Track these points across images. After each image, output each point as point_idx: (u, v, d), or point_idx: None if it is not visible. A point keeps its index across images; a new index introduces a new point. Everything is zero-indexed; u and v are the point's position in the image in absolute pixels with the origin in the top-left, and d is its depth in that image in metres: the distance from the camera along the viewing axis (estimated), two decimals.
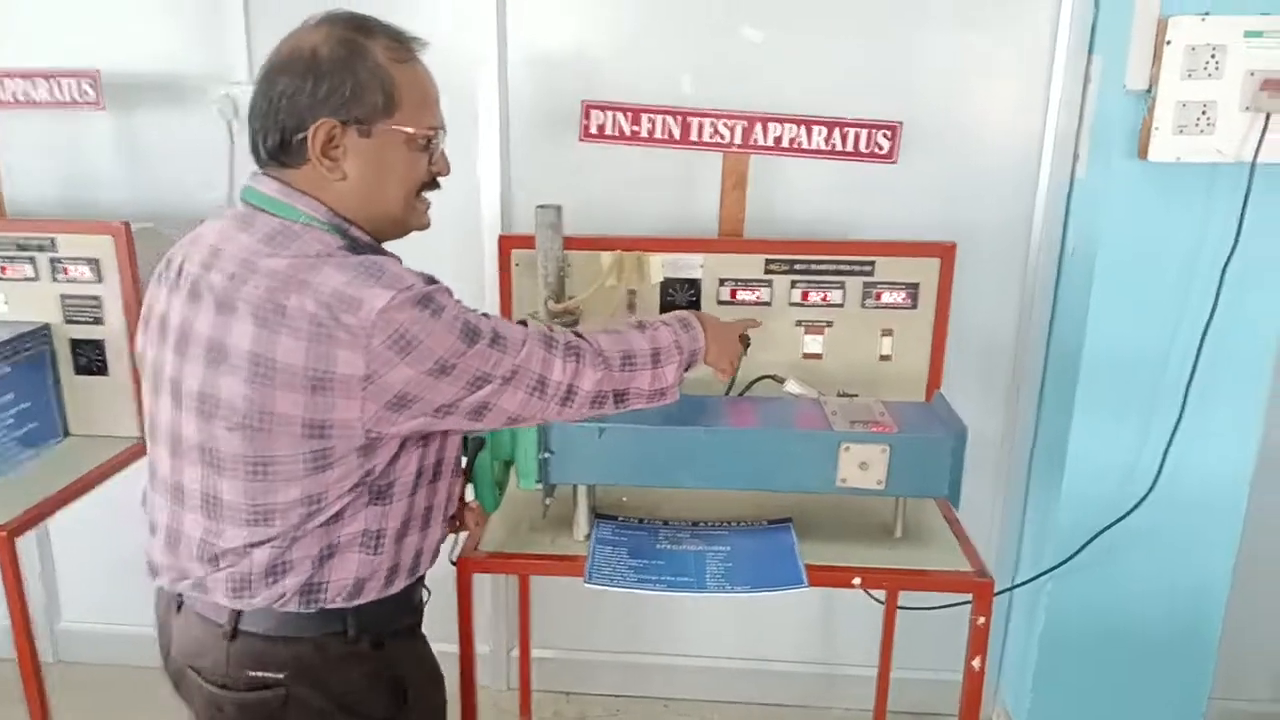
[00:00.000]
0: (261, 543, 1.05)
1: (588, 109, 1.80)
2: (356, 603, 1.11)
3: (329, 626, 1.11)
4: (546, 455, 1.40)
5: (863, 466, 1.39)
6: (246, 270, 1.00)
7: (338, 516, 1.06)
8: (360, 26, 1.07)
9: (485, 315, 1.07)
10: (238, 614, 1.09)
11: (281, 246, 1.01)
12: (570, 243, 1.72)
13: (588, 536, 1.47)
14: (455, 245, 1.92)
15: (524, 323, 1.14)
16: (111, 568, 2.24)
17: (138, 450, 1.83)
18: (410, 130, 1.08)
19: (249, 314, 0.98)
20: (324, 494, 1.04)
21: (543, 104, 1.94)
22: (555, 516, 1.51)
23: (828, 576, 1.39)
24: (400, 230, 1.14)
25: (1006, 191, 1.92)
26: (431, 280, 1.03)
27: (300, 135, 1.04)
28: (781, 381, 1.60)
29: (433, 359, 0.99)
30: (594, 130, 1.81)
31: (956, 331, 1.75)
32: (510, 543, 1.47)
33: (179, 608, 1.15)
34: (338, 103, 1.03)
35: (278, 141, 1.05)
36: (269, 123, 1.05)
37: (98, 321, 1.85)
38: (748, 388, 1.65)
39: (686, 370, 1.24)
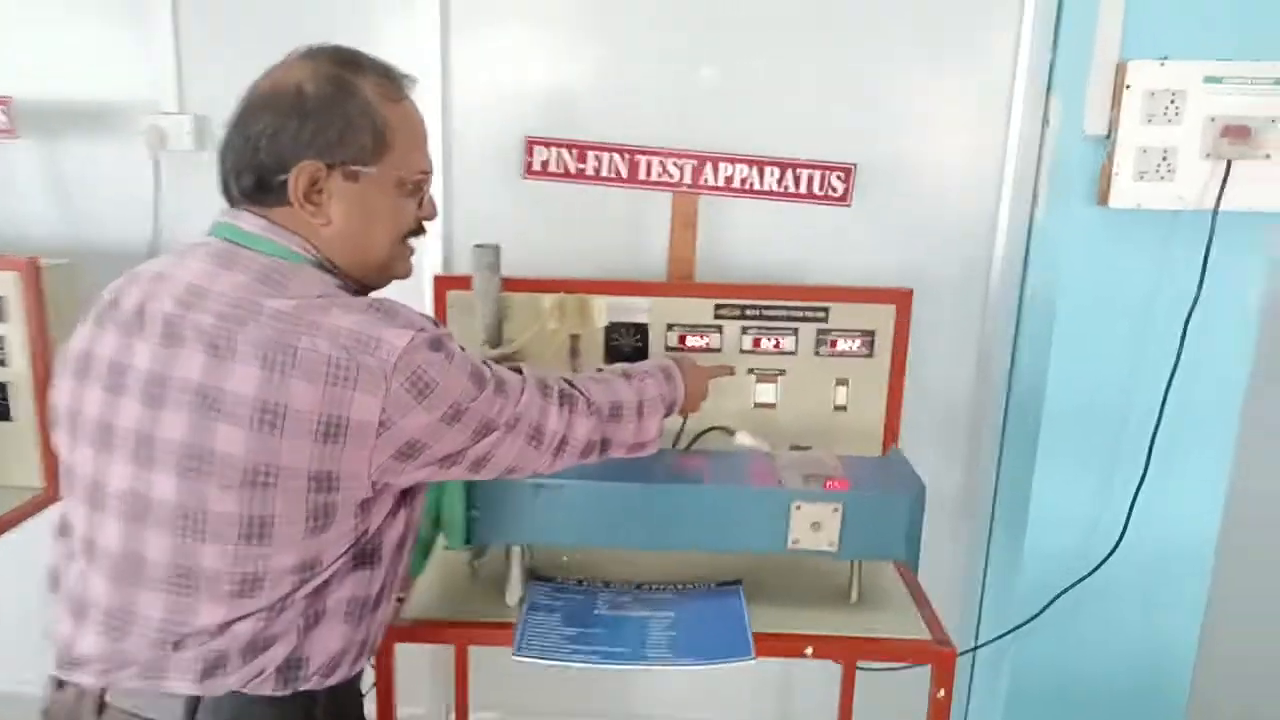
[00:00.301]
0: (245, 616, 0.95)
1: (531, 145, 1.73)
2: (330, 683, 1.01)
3: (293, 715, 0.99)
4: (474, 514, 1.30)
5: (815, 527, 1.30)
6: (246, 312, 0.92)
7: (328, 582, 0.98)
8: (349, 62, 1.01)
9: (485, 361, 1.03)
10: (194, 706, 0.96)
11: (279, 286, 0.94)
12: (510, 284, 1.63)
13: (522, 600, 1.36)
14: (393, 287, 1.82)
15: (519, 369, 1.08)
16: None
17: (41, 501, 1.70)
18: (400, 174, 1.03)
19: (253, 357, 0.90)
20: (319, 557, 0.96)
21: (488, 141, 1.85)
22: (491, 576, 1.40)
23: (778, 646, 1.29)
24: (385, 277, 1.08)
25: (964, 235, 1.86)
26: (434, 321, 0.98)
27: (281, 177, 0.97)
28: (732, 433, 1.52)
29: (446, 404, 0.95)
30: (537, 167, 1.74)
31: (913, 380, 1.68)
32: (438, 608, 1.36)
33: (100, 710, 0.98)
34: (324, 144, 0.97)
35: (253, 182, 0.99)
36: (245, 162, 0.99)
37: (1, 364, 1.72)
38: (696, 439, 1.56)
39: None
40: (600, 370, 1.23)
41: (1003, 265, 1.87)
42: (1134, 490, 1.72)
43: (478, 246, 1.58)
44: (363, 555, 1.01)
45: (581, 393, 1.11)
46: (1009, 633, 1.84)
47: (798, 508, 1.30)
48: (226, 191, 1.02)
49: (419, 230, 1.09)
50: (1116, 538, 1.75)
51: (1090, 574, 1.77)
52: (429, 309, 1.75)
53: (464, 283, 1.62)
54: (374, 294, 1.03)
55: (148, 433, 0.93)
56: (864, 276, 1.79)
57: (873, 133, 1.80)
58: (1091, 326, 1.71)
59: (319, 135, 0.97)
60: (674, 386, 1.24)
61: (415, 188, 1.06)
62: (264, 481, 0.91)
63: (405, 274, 1.10)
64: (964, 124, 1.83)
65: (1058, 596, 1.79)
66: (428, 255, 1.90)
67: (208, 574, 0.93)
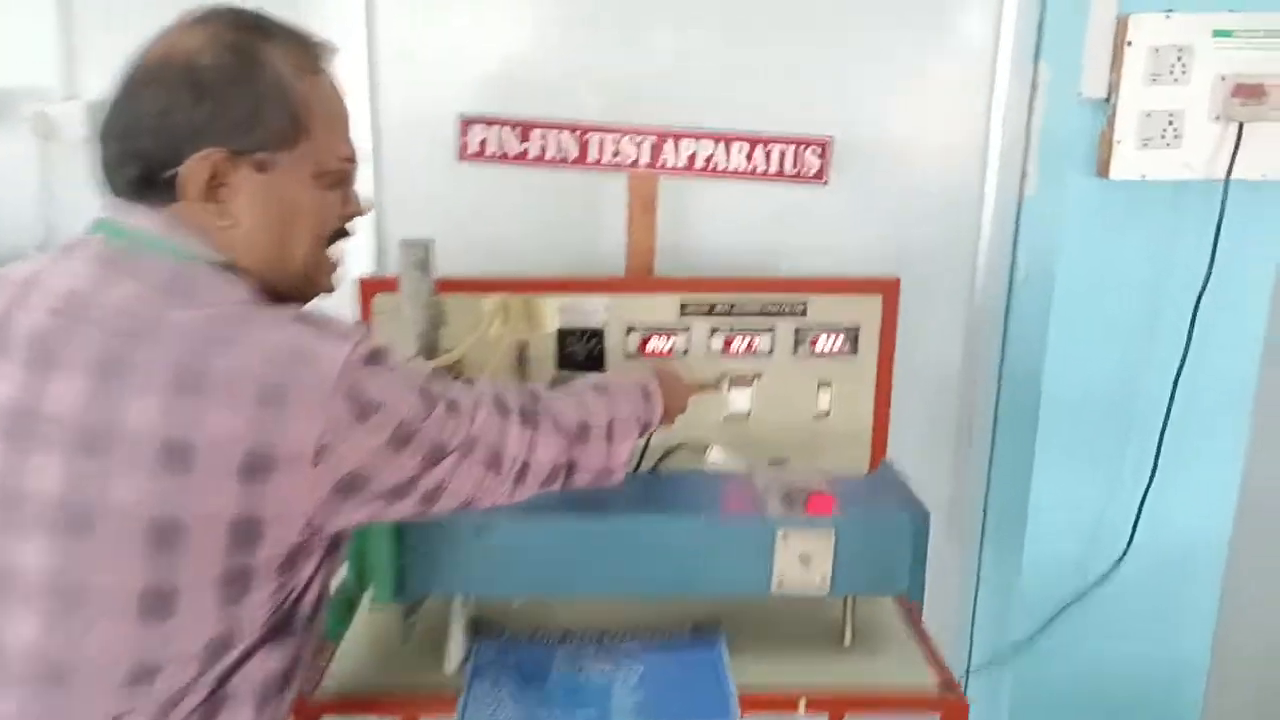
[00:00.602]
0: (131, 711, 0.78)
1: (466, 124, 1.52)
2: None
3: None
4: (405, 561, 1.10)
5: (803, 560, 1.12)
6: (144, 326, 0.77)
7: (239, 662, 0.83)
8: (254, 27, 0.86)
9: (433, 375, 0.91)
10: None
11: (186, 296, 0.79)
12: (445, 285, 1.42)
13: (465, 662, 1.16)
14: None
15: (470, 380, 0.97)
16: None
17: None
18: (320, 163, 0.88)
19: (157, 384, 0.74)
20: (233, 632, 0.80)
21: (421, 121, 1.63)
22: (428, 635, 1.20)
23: (764, 701, 1.11)
24: (307, 291, 0.92)
25: (948, 214, 1.69)
26: (368, 331, 0.86)
27: (173, 169, 0.82)
28: (704, 450, 1.33)
29: (393, 425, 0.81)
30: (474, 149, 1.53)
31: (898, 375, 1.50)
32: (365, 677, 1.15)
33: None
34: (226, 128, 0.82)
35: (140, 174, 0.83)
36: (128, 148, 0.83)
37: None
38: (662, 458, 1.37)
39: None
40: (561, 381, 1.10)
41: (990, 243, 1.70)
42: (1143, 489, 1.58)
43: (405, 242, 1.37)
44: (279, 624, 0.85)
45: (546, 409, 0.97)
46: (1008, 651, 1.69)
47: (783, 537, 1.12)
48: (110, 182, 0.85)
49: (343, 231, 0.94)
50: (1123, 543, 1.61)
51: (1097, 584, 1.63)
52: (354, 317, 1.53)
53: (393, 285, 1.41)
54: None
55: (11, 485, 0.75)
56: (843, 262, 1.62)
57: (847, 105, 1.61)
58: (1091, 311, 1.56)
59: (219, 117, 0.82)
60: (651, 406, 1.09)
61: (338, 179, 0.91)
62: (168, 540, 0.74)
63: (330, 288, 0.95)
64: (944, 91, 1.64)
65: (1063, 610, 1.64)
66: (356, 256, 1.68)
67: (92, 665, 0.76)
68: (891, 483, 1.23)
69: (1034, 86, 1.63)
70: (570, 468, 1.00)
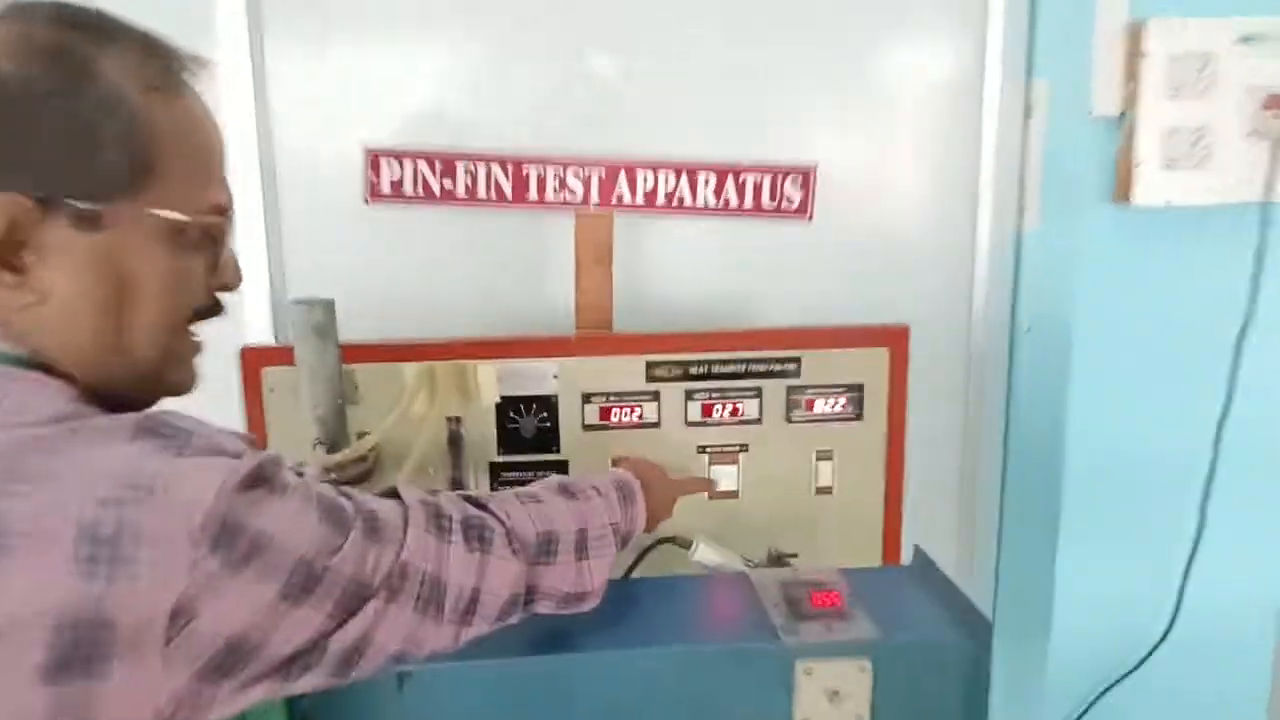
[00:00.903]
0: None
1: (375, 158, 1.25)
2: None
3: None
4: None
5: (833, 698, 0.85)
6: None
7: None
8: (88, 25, 0.62)
9: (341, 490, 0.69)
10: None
11: None
12: (355, 353, 1.14)
13: None
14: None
15: (394, 492, 0.74)
16: None
17: None
18: (176, 215, 0.63)
19: None
20: None
21: (323, 157, 1.35)
22: None
23: None
24: (153, 389, 0.68)
25: (937, 258, 1.49)
26: (249, 440, 0.63)
27: None
28: (687, 546, 1.07)
29: (289, 566, 0.60)
30: (386, 189, 1.26)
31: None
32: None
33: None
34: (34, 164, 0.59)
35: None
36: None
37: None
38: (640, 558, 1.10)
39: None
40: (509, 481, 0.91)
41: (987, 292, 1.50)
42: (1185, 561, 1.37)
43: (299, 302, 1.09)
44: None
45: (498, 520, 0.77)
46: None
47: (806, 671, 0.85)
48: None
49: (214, 308, 0.70)
50: (1164, 623, 1.39)
51: (1131, 672, 1.40)
52: (237, 402, 1.23)
53: (287, 356, 1.13)
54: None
55: None
56: (826, 313, 1.38)
57: (819, 137, 1.39)
58: (1116, 360, 1.35)
59: (23, 149, 0.58)
60: (632, 512, 0.90)
61: (204, 236, 0.66)
62: None
63: (185, 385, 0.70)
64: (929, 117, 1.45)
65: (1094, 703, 1.41)
66: (251, 320, 1.37)
67: None
68: (934, 583, 0.98)
69: (1028, 107, 1.45)
70: (531, 594, 0.79)
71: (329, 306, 1.10)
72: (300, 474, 0.66)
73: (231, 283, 0.70)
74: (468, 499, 0.79)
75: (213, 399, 1.29)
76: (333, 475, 1.08)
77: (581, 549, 0.82)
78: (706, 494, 1.18)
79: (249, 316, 1.35)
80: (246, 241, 1.33)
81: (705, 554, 1.06)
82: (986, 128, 1.46)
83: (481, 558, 0.74)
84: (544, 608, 0.82)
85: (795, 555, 1.18)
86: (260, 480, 0.60)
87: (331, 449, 1.09)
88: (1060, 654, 1.42)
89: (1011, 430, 1.53)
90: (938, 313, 1.49)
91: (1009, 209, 1.47)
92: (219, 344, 1.25)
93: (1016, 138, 1.45)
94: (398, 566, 0.68)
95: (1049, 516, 1.41)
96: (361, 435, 1.13)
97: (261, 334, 1.34)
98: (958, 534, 1.56)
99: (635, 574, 1.09)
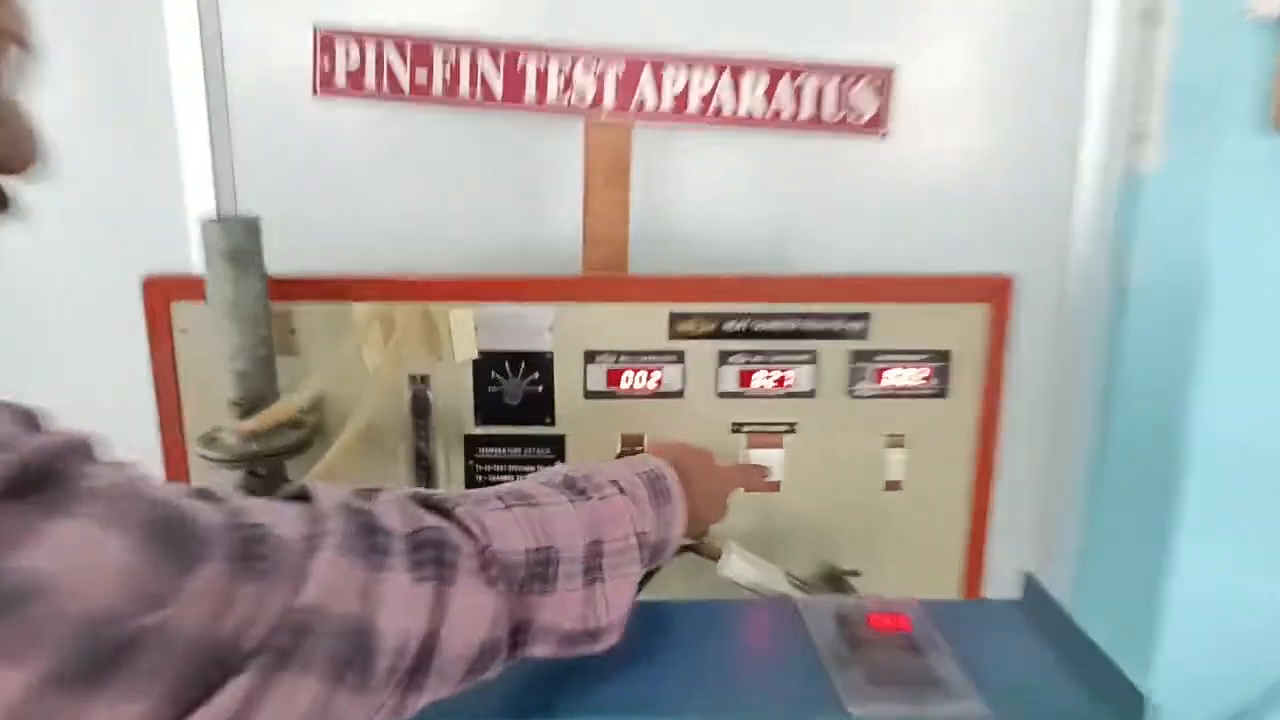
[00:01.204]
0: None
1: (328, 39, 0.98)
2: None
3: None
4: None
5: None
6: None
7: None
8: None
9: (206, 491, 0.46)
10: None
11: None
12: (295, 288, 0.89)
13: None
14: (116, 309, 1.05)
15: (303, 492, 0.51)
16: None
17: None
18: None
19: None
20: None
21: (273, 43, 1.10)
22: None
23: None
24: None
25: (1029, 198, 1.23)
26: (29, 415, 0.41)
27: None
28: (715, 556, 0.82)
29: (66, 633, 0.36)
30: (340, 81, 1.00)
31: None
32: None
33: None
34: None
35: None
36: None
37: None
38: (649, 576, 0.84)
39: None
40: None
41: (1088, 241, 1.24)
42: None
43: (210, 223, 0.82)
44: None
45: (465, 531, 0.55)
46: None
47: None
48: None
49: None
50: None
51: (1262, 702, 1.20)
52: (143, 345, 0.97)
53: (200, 289, 0.86)
54: None
55: None
56: (896, 256, 1.13)
57: (894, 39, 1.13)
58: (1263, 330, 1.11)
59: None
60: (666, 514, 0.66)
61: None
62: None
63: None
64: (1028, 26, 1.18)
65: None
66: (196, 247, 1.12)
67: None
68: (1056, 629, 0.70)
69: (1154, 15, 1.17)
70: (519, 634, 0.57)
71: (251, 226, 0.84)
72: (124, 463, 0.42)
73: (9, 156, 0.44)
74: (424, 502, 0.55)
75: (116, 340, 1.05)
76: (253, 447, 0.83)
77: (593, 569, 0.60)
78: (765, 487, 0.95)
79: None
80: (187, 146, 1.08)
81: (738, 568, 0.81)
82: (1097, 33, 1.18)
83: (437, 590, 0.51)
84: (541, 650, 0.59)
85: (857, 573, 0.92)
86: (29, 486, 0.38)
87: (250, 411, 0.83)
88: (1171, 684, 1.21)
89: (1114, 415, 1.27)
90: (1027, 266, 1.23)
91: (1121, 137, 1.21)
92: (128, 270, 1.02)
93: (1135, 44, 1.19)
94: (292, 615, 0.44)
95: (1160, 520, 1.18)
96: (289, 396, 0.87)
97: (184, 264, 1.08)
98: (1033, 536, 1.31)
99: (640, 594, 0.84)
